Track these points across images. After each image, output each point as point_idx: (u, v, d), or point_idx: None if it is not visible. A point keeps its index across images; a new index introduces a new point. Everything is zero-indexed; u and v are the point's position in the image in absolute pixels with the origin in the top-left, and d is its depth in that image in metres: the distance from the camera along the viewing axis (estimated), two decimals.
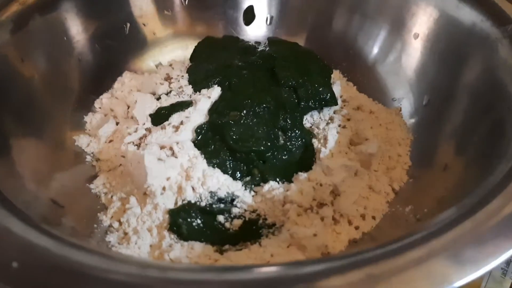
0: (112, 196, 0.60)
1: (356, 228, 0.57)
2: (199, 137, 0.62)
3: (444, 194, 0.54)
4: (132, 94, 0.71)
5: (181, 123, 0.62)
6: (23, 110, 0.59)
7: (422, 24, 0.70)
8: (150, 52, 0.81)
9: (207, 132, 0.62)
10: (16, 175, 0.52)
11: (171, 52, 0.83)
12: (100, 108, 0.72)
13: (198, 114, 0.62)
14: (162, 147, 0.61)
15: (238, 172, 0.61)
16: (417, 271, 0.34)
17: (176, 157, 0.58)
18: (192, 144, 0.61)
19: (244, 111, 0.62)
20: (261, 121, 0.63)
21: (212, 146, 0.61)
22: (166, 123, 0.62)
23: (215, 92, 0.65)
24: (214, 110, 0.64)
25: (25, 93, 0.61)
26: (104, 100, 0.73)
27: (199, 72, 0.70)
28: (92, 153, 0.66)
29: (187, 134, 0.61)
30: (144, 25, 0.81)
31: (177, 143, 0.60)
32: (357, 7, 0.77)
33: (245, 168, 0.61)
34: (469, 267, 0.34)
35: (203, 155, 0.60)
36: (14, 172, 0.52)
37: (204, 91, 0.66)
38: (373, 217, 0.59)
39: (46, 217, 0.50)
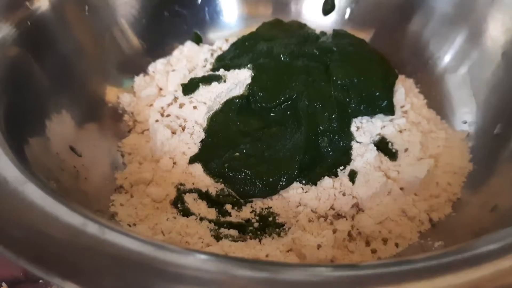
0: (133, 158, 0.59)
1: (373, 251, 0.51)
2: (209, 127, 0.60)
3: (484, 227, 0.46)
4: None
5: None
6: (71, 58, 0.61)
7: (506, 35, 0.59)
8: (216, 26, 0.79)
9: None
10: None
11: (238, 28, 0.80)
12: (153, 72, 0.72)
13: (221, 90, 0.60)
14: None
15: None
16: None
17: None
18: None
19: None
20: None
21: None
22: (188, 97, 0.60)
23: (244, 74, 0.62)
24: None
25: (75, 44, 0.62)
26: (158, 65, 0.73)
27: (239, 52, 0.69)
28: (131, 112, 0.66)
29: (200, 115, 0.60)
30: None
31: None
32: (438, 7, 0.68)
33: None
34: None
35: None
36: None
37: (236, 71, 0.63)
38: (396, 244, 0.52)
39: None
